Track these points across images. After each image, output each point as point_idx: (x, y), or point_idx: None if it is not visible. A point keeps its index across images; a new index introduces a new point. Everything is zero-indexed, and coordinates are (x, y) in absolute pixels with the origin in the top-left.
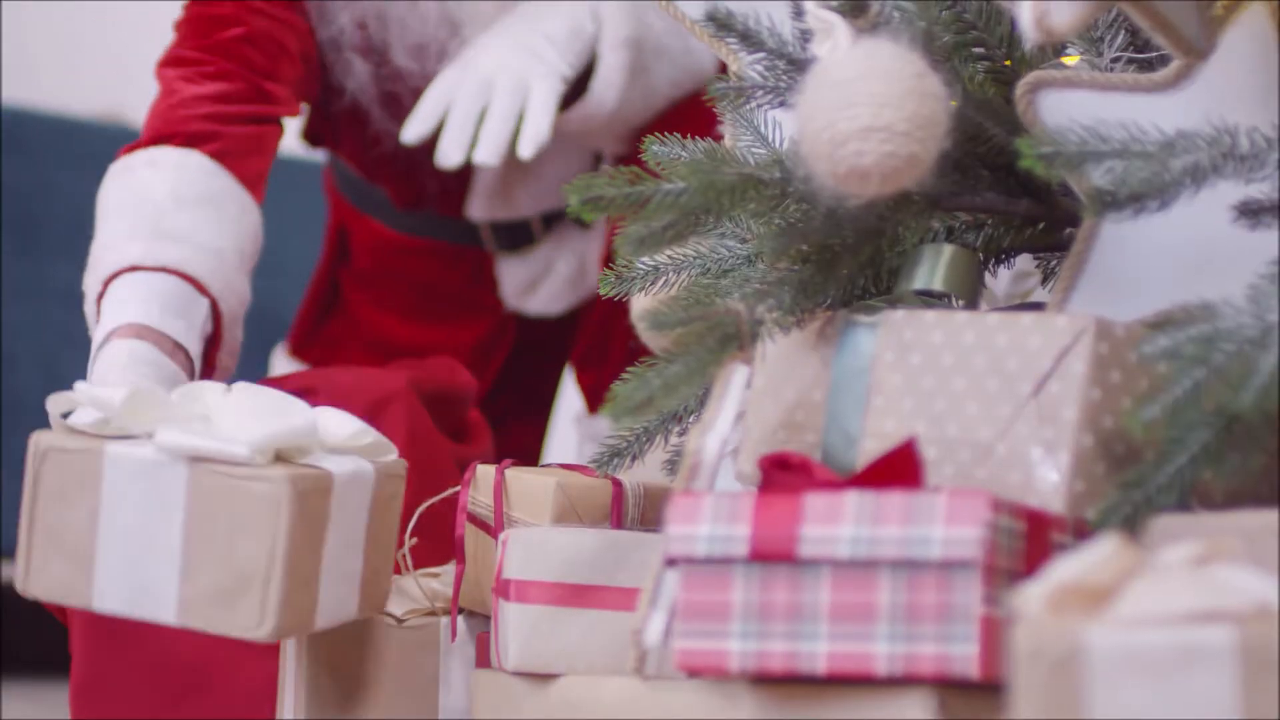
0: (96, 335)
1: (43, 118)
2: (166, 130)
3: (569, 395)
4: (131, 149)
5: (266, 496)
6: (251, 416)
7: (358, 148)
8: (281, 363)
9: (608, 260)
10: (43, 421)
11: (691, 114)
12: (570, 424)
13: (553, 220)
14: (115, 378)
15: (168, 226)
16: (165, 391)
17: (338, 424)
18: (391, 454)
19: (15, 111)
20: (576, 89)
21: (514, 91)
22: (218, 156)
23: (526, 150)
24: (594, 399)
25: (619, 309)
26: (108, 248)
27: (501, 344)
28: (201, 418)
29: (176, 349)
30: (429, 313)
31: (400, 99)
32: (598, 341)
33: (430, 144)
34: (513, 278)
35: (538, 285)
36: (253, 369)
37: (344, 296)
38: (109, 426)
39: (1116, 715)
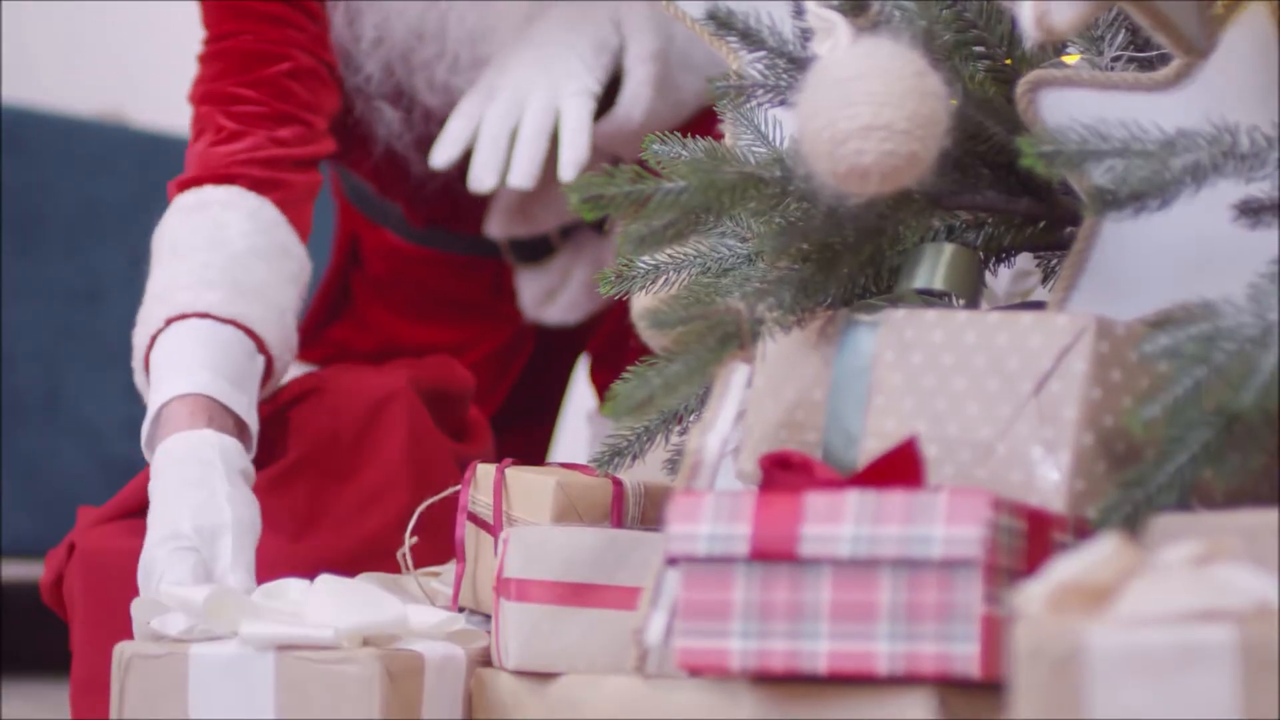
0: (161, 386)
1: (43, 117)
2: (231, 172)
3: (579, 392)
4: (192, 184)
5: (357, 678)
6: (338, 608)
7: (372, 169)
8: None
9: None
10: (43, 422)
11: (716, 121)
12: (578, 422)
13: (570, 230)
14: (181, 479)
15: (243, 278)
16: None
17: (424, 614)
18: (483, 641)
19: (15, 111)
20: (603, 102)
21: (545, 111)
22: (282, 206)
23: (568, 173)
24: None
25: None
26: (180, 286)
27: (520, 353)
28: (287, 613)
29: (240, 427)
30: (445, 320)
31: (432, 139)
32: (615, 341)
33: (454, 168)
34: (531, 289)
35: (556, 295)
36: None
37: (355, 300)
38: (194, 631)
39: (1117, 714)
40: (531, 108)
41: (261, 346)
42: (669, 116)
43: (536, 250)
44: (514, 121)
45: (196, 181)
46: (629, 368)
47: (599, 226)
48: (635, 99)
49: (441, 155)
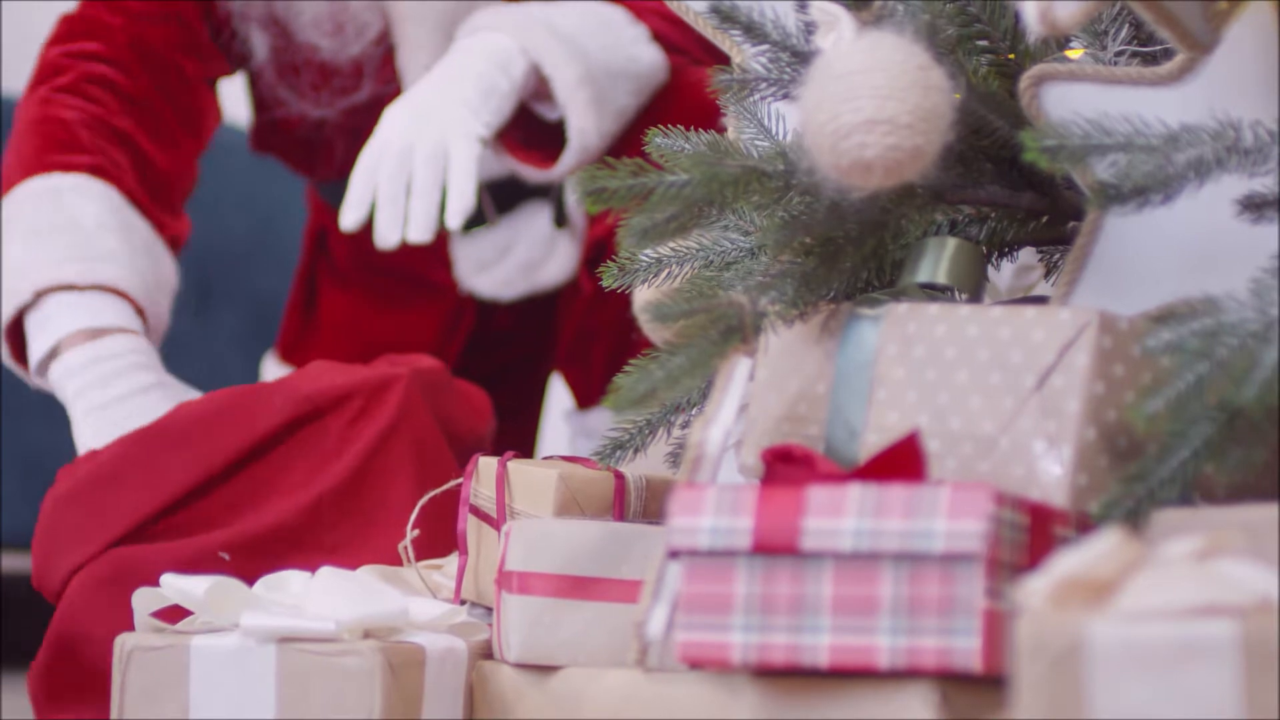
0: (42, 341)
1: None
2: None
3: (557, 391)
4: (37, 171)
5: (359, 670)
6: (340, 599)
7: (300, 147)
8: (271, 369)
9: (589, 261)
10: (43, 414)
11: (661, 107)
12: (560, 420)
13: (512, 205)
14: (92, 376)
15: (97, 248)
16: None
17: (426, 606)
18: (484, 634)
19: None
20: (550, 136)
21: (433, 162)
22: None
23: (454, 222)
24: (581, 394)
25: (598, 304)
26: (27, 270)
27: (461, 325)
28: (288, 605)
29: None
30: (392, 299)
31: (304, 80)
32: (581, 337)
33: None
34: (467, 257)
35: (490, 267)
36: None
37: (320, 294)
38: (195, 622)
39: (1118, 709)
40: (419, 161)
41: (133, 303)
42: (618, 128)
43: (469, 220)
44: (407, 175)
45: (37, 170)
46: (630, 361)
47: (557, 219)
48: (584, 129)
49: (350, 219)
